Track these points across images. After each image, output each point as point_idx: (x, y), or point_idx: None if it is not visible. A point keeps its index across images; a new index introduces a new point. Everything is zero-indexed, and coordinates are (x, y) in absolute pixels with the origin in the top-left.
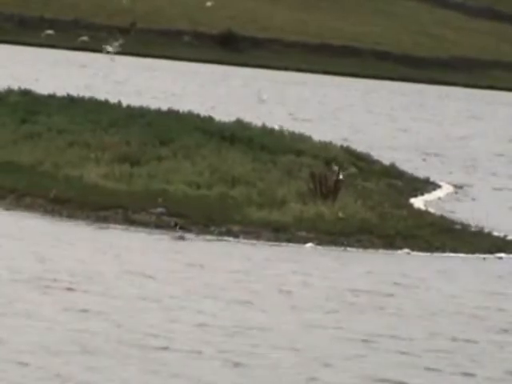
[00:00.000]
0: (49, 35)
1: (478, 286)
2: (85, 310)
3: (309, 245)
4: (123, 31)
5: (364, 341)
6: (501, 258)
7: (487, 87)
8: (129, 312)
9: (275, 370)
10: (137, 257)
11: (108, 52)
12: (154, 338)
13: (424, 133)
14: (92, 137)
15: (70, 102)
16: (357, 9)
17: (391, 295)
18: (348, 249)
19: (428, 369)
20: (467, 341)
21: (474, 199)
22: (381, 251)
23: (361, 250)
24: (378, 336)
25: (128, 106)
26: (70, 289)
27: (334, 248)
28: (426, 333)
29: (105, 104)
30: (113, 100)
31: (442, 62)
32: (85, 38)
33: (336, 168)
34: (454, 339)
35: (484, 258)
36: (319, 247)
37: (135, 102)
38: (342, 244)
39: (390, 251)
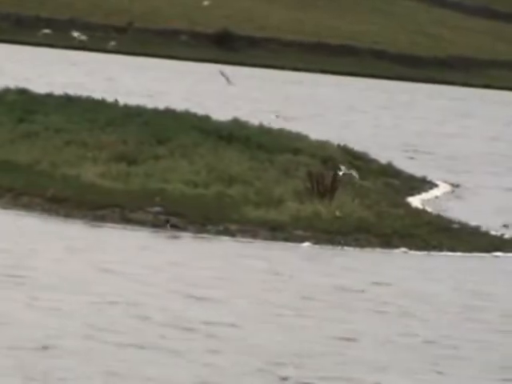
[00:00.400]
0: (45, 34)
1: (471, 284)
2: (55, 308)
3: (306, 244)
4: (120, 30)
5: (340, 339)
6: (497, 256)
7: (484, 86)
8: (99, 310)
9: (247, 370)
10: (124, 255)
11: (75, 37)
12: (122, 336)
13: (418, 131)
14: (89, 136)
15: (67, 101)
16: (354, 7)
17: (371, 293)
18: (345, 248)
19: (406, 368)
20: (447, 339)
21: (471, 198)
22: (378, 250)
23: (358, 248)
24: (358, 334)
25: (125, 105)
26: (45, 286)
27: (331, 247)
28: (404, 331)
29: (102, 103)
30: (110, 99)
31: (438, 61)
32: (82, 38)
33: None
34: (434, 338)
35: (481, 257)
36: (316, 246)
37: (132, 100)
38: (339, 243)
39: (386, 250)
